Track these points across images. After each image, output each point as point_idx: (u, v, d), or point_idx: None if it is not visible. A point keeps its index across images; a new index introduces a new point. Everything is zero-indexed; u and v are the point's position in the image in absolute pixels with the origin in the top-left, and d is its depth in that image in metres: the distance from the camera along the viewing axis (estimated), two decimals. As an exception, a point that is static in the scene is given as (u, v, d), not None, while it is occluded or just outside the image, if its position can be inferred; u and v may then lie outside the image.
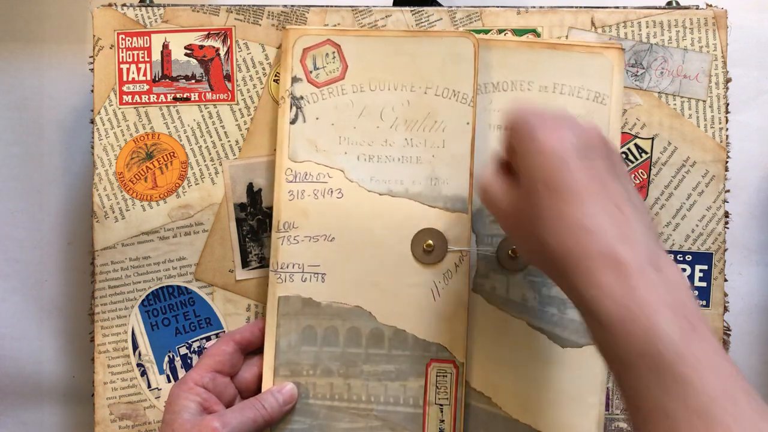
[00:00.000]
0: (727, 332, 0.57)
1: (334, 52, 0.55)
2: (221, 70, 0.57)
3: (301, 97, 0.55)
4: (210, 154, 0.57)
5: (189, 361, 0.57)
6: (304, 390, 0.54)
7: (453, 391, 0.54)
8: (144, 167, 0.57)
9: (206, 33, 0.57)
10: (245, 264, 0.57)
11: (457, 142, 0.55)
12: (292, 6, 0.58)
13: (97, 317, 0.57)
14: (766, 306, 0.65)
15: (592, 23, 0.57)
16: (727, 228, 0.57)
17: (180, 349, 0.57)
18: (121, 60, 0.57)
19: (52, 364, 0.67)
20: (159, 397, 0.57)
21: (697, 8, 0.58)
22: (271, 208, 0.56)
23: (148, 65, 0.57)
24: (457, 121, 0.55)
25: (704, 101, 0.57)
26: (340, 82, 0.55)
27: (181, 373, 0.57)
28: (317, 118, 0.55)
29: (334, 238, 0.55)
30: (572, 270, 0.40)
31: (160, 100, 0.57)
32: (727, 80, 0.57)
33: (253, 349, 0.55)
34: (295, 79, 0.55)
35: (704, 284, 0.57)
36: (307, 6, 0.57)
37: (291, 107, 0.55)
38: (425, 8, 0.57)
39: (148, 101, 0.57)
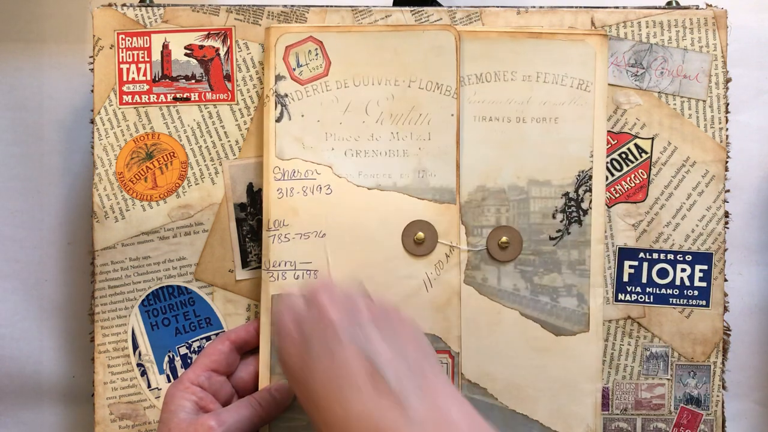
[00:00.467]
0: (727, 332, 0.57)
1: (316, 49, 0.56)
2: (221, 70, 0.57)
3: (286, 95, 0.56)
4: (210, 154, 0.57)
5: (189, 361, 0.57)
6: None
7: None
8: (144, 167, 0.57)
9: (206, 33, 0.57)
10: (245, 264, 0.57)
11: (442, 134, 0.55)
12: (292, 6, 0.58)
13: (97, 317, 0.57)
14: (766, 306, 0.65)
15: (592, 23, 0.57)
16: (727, 228, 0.57)
17: (180, 349, 0.57)
18: (121, 60, 0.57)
19: (52, 364, 0.67)
20: (159, 397, 0.57)
21: (697, 8, 0.58)
22: (271, 208, 0.56)
23: (148, 65, 0.57)
24: (442, 113, 0.55)
25: (704, 101, 0.57)
26: (324, 78, 0.56)
27: (181, 372, 0.57)
28: (303, 116, 0.56)
29: (325, 234, 0.55)
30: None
31: (160, 100, 0.57)
32: (727, 80, 0.57)
33: (249, 349, 0.55)
34: (278, 77, 0.56)
35: (704, 284, 0.57)
36: (307, 6, 0.57)
37: (276, 105, 0.56)
38: (425, 8, 0.57)
39: (148, 101, 0.58)
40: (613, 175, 0.57)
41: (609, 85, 0.57)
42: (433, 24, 0.57)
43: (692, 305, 0.57)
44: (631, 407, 0.57)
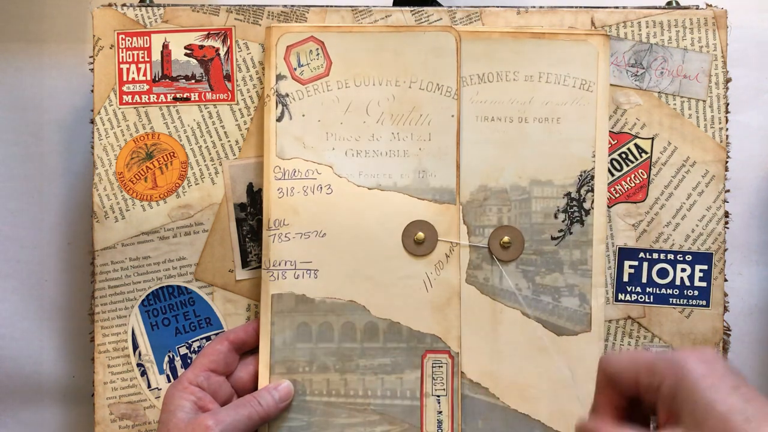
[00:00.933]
0: (727, 332, 0.57)
1: (317, 49, 0.56)
2: (221, 70, 0.57)
3: (287, 95, 0.56)
4: (210, 154, 0.57)
5: (189, 361, 0.57)
6: (301, 387, 0.54)
7: (449, 382, 0.54)
8: (144, 167, 0.57)
9: (206, 33, 0.57)
10: (245, 264, 0.57)
11: (442, 134, 0.55)
12: (292, 6, 0.58)
13: (97, 317, 0.57)
14: (766, 306, 0.65)
15: (592, 23, 0.57)
16: (727, 228, 0.57)
17: (180, 349, 0.57)
18: (121, 60, 0.57)
19: (52, 364, 0.67)
20: (159, 397, 0.57)
21: (697, 8, 0.58)
22: (271, 208, 0.56)
23: (148, 65, 0.57)
24: (442, 114, 0.55)
25: (704, 101, 0.57)
26: (325, 78, 0.56)
27: (181, 372, 0.57)
28: (303, 115, 0.56)
29: (325, 234, 0.55)
30: None
31: (160, 100, 0.57)
32: (727, 80, 0.57)
33: (247, 349, 0.55)
34: (279, 77, 0.56)
35: (704, 284, 0.57)
36: (307, 6, 0.57)
37: (276, 105, 0.56)
38: (425, 8, 0.57)
39: (148, 101, 0.57)
40: (613, 175, 0.57)
41: (610, 85, 0.57)
42: (433, 25, 0.57)
43: (692, 305, 0.57)
44: (631, 407, 0.57)
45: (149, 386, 0.57)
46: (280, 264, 0.55)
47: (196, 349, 0.57)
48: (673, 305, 0.57)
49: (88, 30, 0.66)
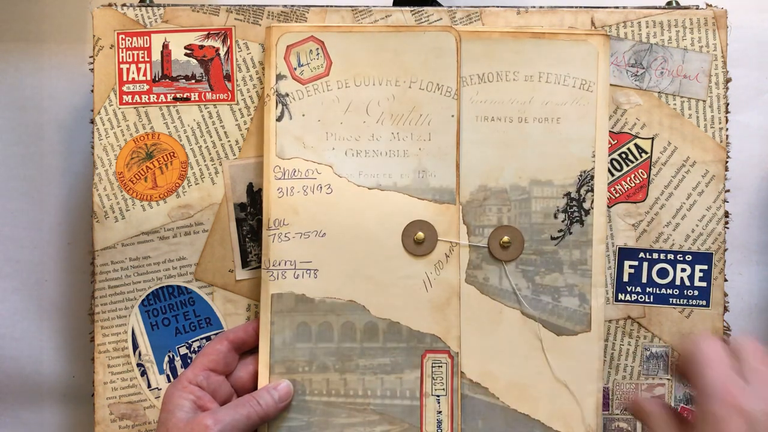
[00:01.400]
0: (727, 332, 0.57)
1: (317, 49, 0.56)
2: (221, 70, 0.57)
3: (287, 94, 0.56)
4: (210, 154, 0.57)
5: (189, 361, 0.57)
6: (300, 387, 0.54)
7: (449, 382, 0.54)
8: (144, 167, 0.57)
9: (206, 33, 0.57)
10: (245, 264, 0.57)
11: (442, 134, 0.55)
12: (292, 6, 0.58)
13: (97, 317, 0.57)
14: (766, 306, 0.65)
15: (592, 23, 0.57)
16: (727, 228, 0.57)
17: (180, 349, 0.57)
18: (121, 60, 0.57)
19: (52, 364, 0.67)
20: (159, 397, 0.57)
21: (697, 8, 0.58)
22: (271, 208, 0.56)
23: (148, 65, 0.57)
24: (442, 114, 0.55)
25: (704, 101, 0.57)
26: (325, 78, 0.56)
27: (181, 372, 0.57)
28: (303, 115, 0.56)
29: (325, 234, 0.55)
30: None
31: (160, 100, 0.57)
32: (727, 80, 0.57)
33: (247, 349, 0.55)
34: (279, 77, 0.56)
35: (704, 284, 0.57)
36: (307, 6, 0.57)
37: (276, 104, 0.56)
38: (425, 8, 0.57)
39: (148, 101, 0.58)
40: (613, 175, 0.57)
41: (610, 85, 0.57)
42: (433, 25, 0.57)
43: (692, 305, 0.57)
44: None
45: (149, 386, 0.57)
46: (279, 264, 0.55)
47: (196, 349, 0.57)
48: (673, 305, 0.57)
49: (88, 30, 0.66)
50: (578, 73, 0.56)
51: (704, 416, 0.42)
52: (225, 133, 0.57)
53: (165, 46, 0.57)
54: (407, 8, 0.57)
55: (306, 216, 0.55)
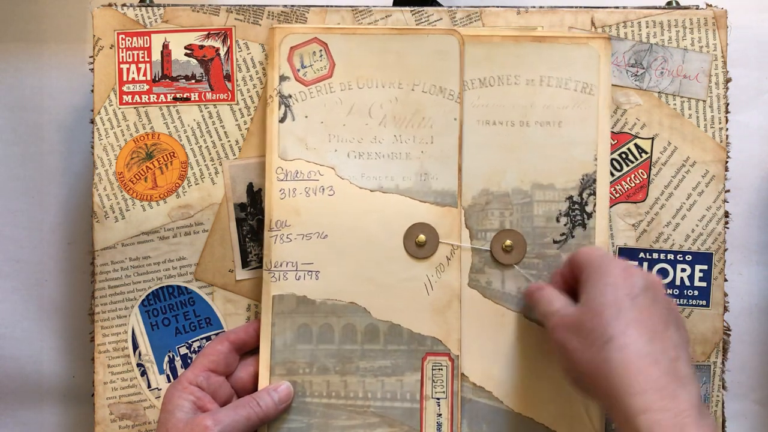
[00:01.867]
0: (727, 332, 0.57)
1: (321, 50, 0.56)
2: (221, 70, 0.57)
3: (290, 96, 0.56)
4: (210, 154, 0.57)
5: (189, 361, 0.57)
6: (301, 388, 0.54)
7: (449, 385, 0.54)
8: (144, 167, 0.57)
9: (206, 33, 0.57)
10: (245, 264, 0.57)
11: (445, 137, 0.55)
12: (292, 6, 0.58)
13: (97, 317, 0.57)
14: (766, 306, 0.65)
15: (592, 23, 0.57)
16: (727, 228, 0.57)
17: (180, 349, 0.57)
18: (121, 60, 0.57)
19: (52, 364, 0.67)
20: (159, 397, 0.57)
21: (697, 8, 0.58)
22: (271, 208, 0.56)
23: (148, 65, 0.57)
24: (445, 117, 0.55)
25: (704, 101, 0.57)
26: (328, 80, 0.56)
27: (181, 372, 0.57)
28: (306, 117, 0.56)
29: (327, 236, 0.55)
30: (629, 396, 0.42)
31: (160, 100, 0.57)
32: (727, 80, 0.57)
33: (248, 350, 0.55)
34: (282, 78, 0.56)
35: (704, 284, 0.57)
36: (307, 6, 0.57)
37: (279, 106, 0.56)
38: (425, 8, 0.57)
39: (148, 101, 0.57)
40: (613, 175, 0.57)
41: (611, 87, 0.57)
42: (437, 28, 0.57)
43: (692, 305, 0.57)
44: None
45: (149, 386, 0.57)
46: (281, 265, 0.55)
47: (196, 349, 0.57)
48: (673, 305, 0.57)
49: (88, 30, 0.66)
50: (580, 76, 0.55)
51: (593, 284, 0.47)
52: (225, 133, 0.57)
53: (165, 46, 0.57)
54: (407, 8, 0.57)
55: (308, 217, 0.55)
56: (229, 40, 0.57)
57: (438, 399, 0.54)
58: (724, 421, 0.57)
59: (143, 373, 0.57)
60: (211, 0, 0.61)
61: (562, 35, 0.56)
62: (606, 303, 0.45)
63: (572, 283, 0.51)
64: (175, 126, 0.58)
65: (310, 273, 0.55)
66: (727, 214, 0.57)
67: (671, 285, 0.57)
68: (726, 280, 0.57)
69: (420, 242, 0.55)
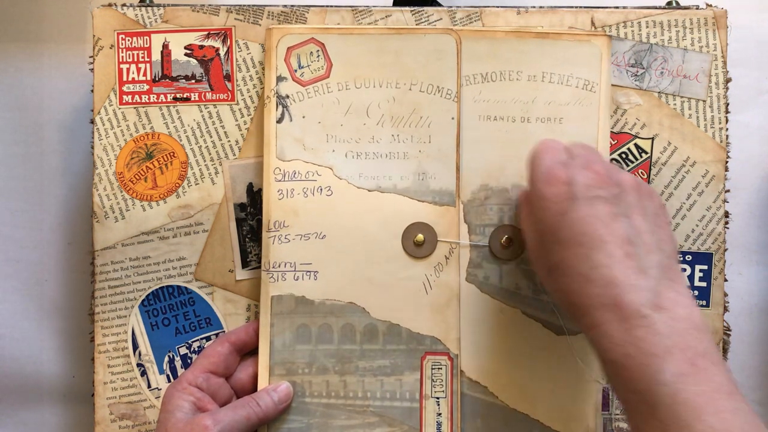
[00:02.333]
0: (727, 332, 0.57)
1: (318, 51, 0.56)
2: (221, 70, 0.57)
3: (287, 96, 0.56)
4: (210, 154, 0.57)
5: (189, 361, 0.57)
6: (300, 388, 0.54)
7: (449, 384, 0.54)
8: (144, 167, 0.57)
9: (206, 33, 0.57)
10: (245, 264, 0.57)
11: (442, 137, 0.55)
12: (292, 6, 0.58)
13: (97, 317, 0.57)
14: (766, 306, 0.65)
15: (592, 23, 0.57)
16: (727, 228, 0.57)
17: (180, 349, 0.57)
18: (121, 60, 0.57)
19: (52, 364, 0.67)
20: (159, 397, 0.57)
21: (697, 8, 0.58)
22: (271, 208, 0.56)
23: (148, 65, 0.57)
24: (442, 117, 0.55)
25: (704, 101, 0.57)
26: (326, 80, 0.56)
27: (181, 372, 0.57)
28: (304, 117, 0.56)
29: (325, 236, 0.55)
30: (579, 315, 0.43)
31: (160, 100, 0.57)
32: (727, 80, 0.57)
33: (248, 350, 0.55)
34: (280, 78, 0.56)
35: (704, 284, 0.57)
36: (307, 6, 0.57)
37: (277, 106, 0.56)
38: (425, 8, 0.57)
39: (148, 101, 0.57)
40: (613, 175, 0.57)
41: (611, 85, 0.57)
42: (434, 27, 0.57)
43: (692, 305, 0.57)
44: (631, 407, 0.57)
45: (149, 386, 0.57)
46: (279, 265, 0.55)
47: (196, 349, 0.57)
48: (673, 305, 0.57)
49: (88, 30, 0.66)
50: (581, 73, 0.56)
51: (533, 192, 0.47)
52: (225, 133, 0.57)
53: (165, 46, 0.57)
54: (407, 8, 0.57)
55: (306, 218, 0.55)
56: (229, 40, 0.57)
57: (437, 398, 0.54)
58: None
59: (143, 373, 0.57)
60: (211, 0, 0.61)
61: (564, 32, 0.56)
62: (542, 230, 0.46)
63: None
64: (175, 126, 0.58)
65: (308, 273, 0.55)
66: (727, 214, 0.57)
67: (671, 285, 0.57)
68: (726, 280, 0.57)
69: (418, 242, 0.55)
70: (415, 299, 0.55)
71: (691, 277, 0.57)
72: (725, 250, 0.57)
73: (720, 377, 0.38)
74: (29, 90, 0.66)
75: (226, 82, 0.57)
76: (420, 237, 0.55)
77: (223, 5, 0.58)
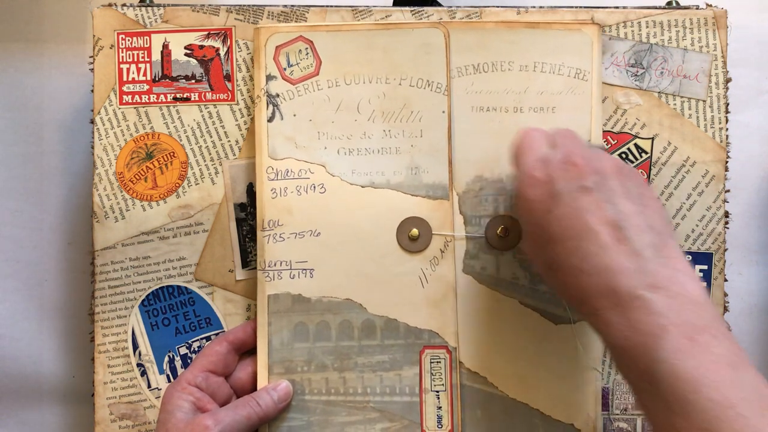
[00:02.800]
0: (727, 332, 0.57)
1: (307, 48, 0.56)
2: (221, 70, 0.57)
3: (277, 95, 0.56)
4: (210, 154, 0.57)
5: (189, 361, 0.57)
6: (300, 386, 0.54)
7: (448, 377, 0.54)
8: (144, 167, 0.57)
9: (206, 33, 0.57)
10: (245, 264, 0.57)
11: (434, 130, 0.55)
12: (292, 6, 0.58)
13: (97, 317, 0.57)
14: (766, 306, 0.65)
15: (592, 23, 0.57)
16: (727, 228, 0.57)
17: (180, 349, 0.57)
18: (121, 60, 0.57)
19: (52, 364, 0.67)
20: (159, 397, 0.57)
21: (697, 8, 0.58)
22: (271, 208, 0.56)
23: (148, 65, 0.57)
24: (433, 111, 0.55)
25: (704, 101, 0.57)
26: (315, 77, 0.56)
27: (181, 372, 0.57)
28: (294, 115, 0.56)
29: (320, 233, 0.55)
30: (579, 306, 0.43)
31: (160, 100, 0.57)
32: (727, 80, 0.57)
33: (247, 349, 0.55)
34: (269, 77, 0.56)
35: (704, 284, 0.57)
36: (307, 6, 0.57)
37: (267, 105, 0.56)
38: (425, 8, 0.57)
39: (148, 101, 0.58)
40: (613, 175, 0.57)
41: (610, 85, 0.57)
42: (422, 21, 0.57)
43: (692, 305, 0.57)
44: (632, 407, 0.57)
45: (149, 386, 0.57)
46: (275, 264, 0.55)
47: (196, 349, 0.57)
48: (673, 305, 0.57)
49: (88, 30, 0.66)
50: (573, 62, 0.56)
51: (518, 195, 0.47)
52: (225, 133, 0.57)
53: (165, 46, 0.57)
54: (407, 8, 0.57)
55: (300, 216, 0.55)
56: (229, 40, 0.57)
57: (437, 392, 0.54)
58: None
59: (143, 373, 0.57)
60: (211, 0, 0.61)
61: (554, 21, 0.56)
62: (529, 231, 0.46)
63: None
64: (175, 126, 0.58)
65: (304, 271, 0.55)
66: (727, 214, 0.57)
67: (671, 285, 0.57)
68: (726, 280, 0.57)
69: (413, 236, 0.55)
70: (412, 294, 0.55)
71: (691, 277, 0.57)
72: (725, 250, 0.57)
73: (721, 349, 0.38)
74: (29, 90, 0.66)
75: (226, 82, 0.57)
76: (415, 231, 0.55)
77: (223, 5, 0.58)
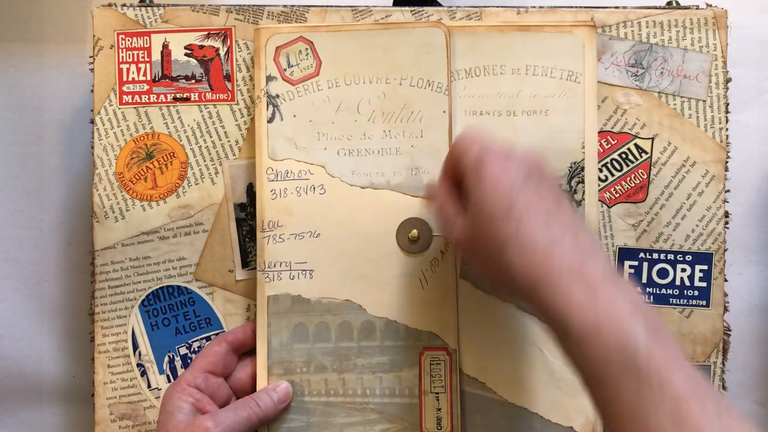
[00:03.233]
0: (727, 332, 0.57)
1: (307, 49, 0.56)
2: (221, 70, 0.57)
3: (277, 96, 0.56)
4: (210, 154, 0.57)
5: (189, 361, 0.57)
6: (299, 387, 0.54)
7: (447, 379, 0.54)
8: (144, 167, 0.57)
9: (206, 33, 0.57)
10: (245, 264, 0.57)
11: (434, 131, 0.55)
12: (292, 6, 0.58)
13: (97, 317, 0.57)
14: (766, 306, 0.65)
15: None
16: (727, 228, 0.57)
17: (180, 349, 0.57)
18: (121, 60, 0.57)
19: (52, 364, 0.67)
20: (159, 397, 0.57)
21: (697, 8, 0.58)
22: (271, 208, 0.56)
23: (148, 65, 0.57)
24: (434, 110, 0.55)
25: (704, 101, 0.57)
26: (315, 78, 0.56)
27: (181, 373, 0.57)
28: (294, 116, 0.56)
29: (320, 234, 0.55)
30: (540, 288, 0.42)
31: (160, 100, 0.57)
32: (727, 80, 0.57)
33: (246, 350, 0.55)
34: (269, 78, 0.56)
35: (704, 284, 0.57)
36: (307, 6, 0.57)
37: (267, 106, 0.56)
38: (425, 8, 0.57)
39: (148, 101, 0.58)
40: (613, 175, 0.57)
41: (610, 85, 0.57)
42: (422, 21, 0.57)
43: (692, 305, 0.57)
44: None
45: (149, 386, 0.57)
46: (275, 265, 0.55)
47: (196, 349, 0.57)
48: (673, 305, 0.57)
49: (88, 30, 0.66)
50: (565, 64, 0.56)
51: (474, 189, 0.45)
52: (225, 133, 0.57)
53: (165, 46, 0.57)
54: (407, 8, 0.57)
55: (300, 217, 0.55)
56: (229, 40, 0.57)
57: (437, 393, 0.54)
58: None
59: (143, 373, 0.57)
60: (211, 0, 0.61)
61: (546, 24, 0.56)
62: (491, 208, 0.44)
63: (460, 179, 0.48)
64: (175, 126, 0.58)
65: (304, 272, 0.55)
66: (727, 214, 0.57)
67: (671, 285, 0.57)
68: (726, 280, 0.57)
69: (413, 237, 0.55)
70: (412, 295, 0.55)
71: (691, 277, 0.57)
72: (725, 250, 0.57)
73: (676, 345, 0.40)
74: (29, 90, 0.66)
75: (226, 82, 0.57)
76: (414, 232, 0.55)
77: (223, 5, 0.58)
